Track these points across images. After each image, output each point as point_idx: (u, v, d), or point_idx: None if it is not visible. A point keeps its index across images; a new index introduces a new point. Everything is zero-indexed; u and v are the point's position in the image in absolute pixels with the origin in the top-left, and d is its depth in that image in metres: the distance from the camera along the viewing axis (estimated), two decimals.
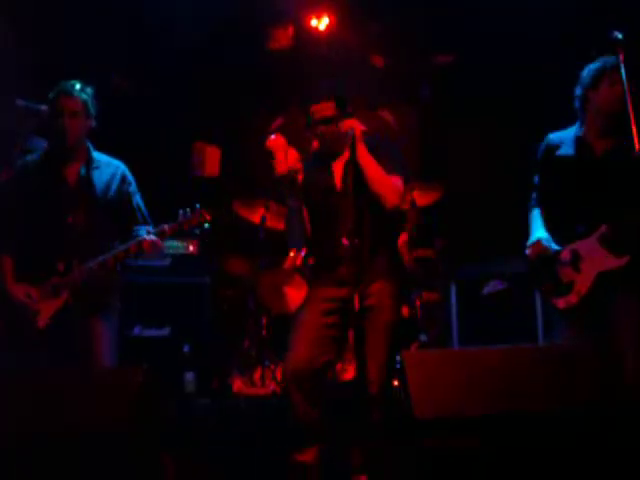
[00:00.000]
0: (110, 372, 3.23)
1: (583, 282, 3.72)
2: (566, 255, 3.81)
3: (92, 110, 4.03)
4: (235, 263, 6.47)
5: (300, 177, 3.96)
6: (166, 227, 3.99)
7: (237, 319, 6.32)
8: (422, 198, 6.23)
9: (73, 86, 3.95)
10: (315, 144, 4.16)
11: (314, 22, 7.05)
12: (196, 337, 5.67)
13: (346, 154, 3.93)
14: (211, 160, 7.36)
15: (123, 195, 4.13)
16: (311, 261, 5.73)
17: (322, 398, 3.88)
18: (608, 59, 3.79)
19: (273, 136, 3.95)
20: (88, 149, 4.10)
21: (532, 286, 4.00)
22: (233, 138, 7.39)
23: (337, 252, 3.86)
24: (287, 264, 6.00)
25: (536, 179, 4.12)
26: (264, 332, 5.97)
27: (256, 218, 6.19)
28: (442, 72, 7.16)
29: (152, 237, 3.94)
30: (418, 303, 6.02)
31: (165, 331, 5.66)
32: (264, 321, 5.99)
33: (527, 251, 3.92)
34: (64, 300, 3.85)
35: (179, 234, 4.07)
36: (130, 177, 4.20)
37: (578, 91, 3.93)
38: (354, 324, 3.68)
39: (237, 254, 6.55)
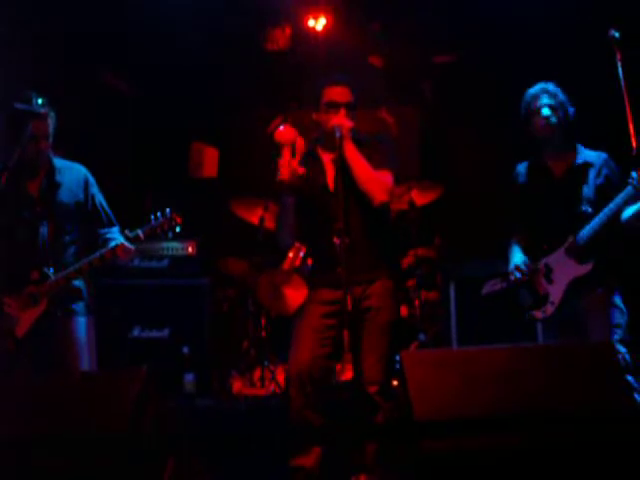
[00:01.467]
0: (110, 374, 3.23)
1: (556, 292, 3.97)
2: (540, 269, 4.04)
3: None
4: (234, 264, 6.47)
5: (300, 182, 3.95)
6: (139, 232, 4.01)
7: (236, 320, 6.33)
8: (421, 197, 6.24)
9: (42, 107, 3.92)
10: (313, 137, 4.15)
11: (311, 23, 7.05)
12: (195, 338, 5.66)
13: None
14: (209, 161, 7.36)
15: (87, 198, 4.14)
16: (310, 261, 5.75)
17: (323, 401, 3.88)
18: (529, 90, 4.13)
19: (282, 127, 3.93)
20: (50, 159, 4.10)
21: (514, 308, 4.15)
22: (231, 139, 7.38)
23: (331, 252, 3.82)
24: (286, 265, 5.99)
25: (510, 210, 4.32)
26: (263, 333, 5.98)
27: (255, 219, 6.19)
28: (442, 71, 7.16)
29: (126, 243, 3.95)
30: (417, 303, 6.03)
31: (165, 332, 5.66)
32: (263, 322, 6.00)
33: (511, 277, 4.11)
34: (43, 308, 3.88)
35: (152, 238, 4.08)
36: (92, 179, 4.20)
37: (524, 130, 4.17)
38: (348, 325, 3.68)
39: (236, 255, 6.55)
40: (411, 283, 6.10)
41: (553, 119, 3.98)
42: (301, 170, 3.92)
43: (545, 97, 4.02)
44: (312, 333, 3.92)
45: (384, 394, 3.82)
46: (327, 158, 4.05)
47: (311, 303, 4.06)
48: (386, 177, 3.95)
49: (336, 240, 3.74)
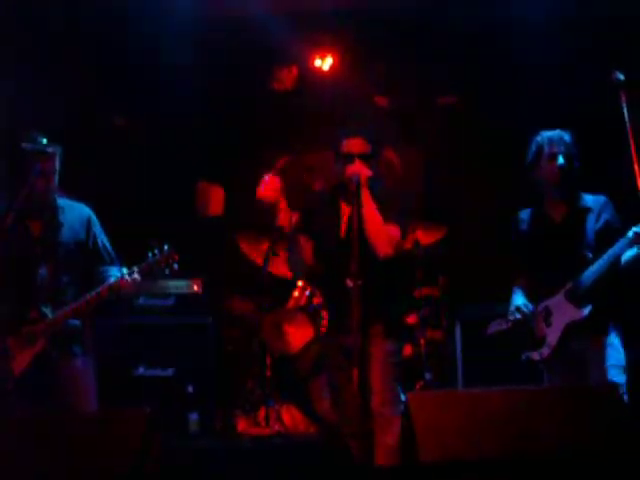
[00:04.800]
0: (113, 415, 3.21)
1: (553, 335, 4.03)
2: (539, 312, 4.10)
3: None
4: (239, 304, 6.47)
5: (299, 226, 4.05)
6: (135, 269, 4.01)
7: (241, 359, 6.31)
8: (426, 237, 6.24)
9: (48, 146, 3.96)
10: (322, 185, 4.21)
11: (318, 62, 7.11)
12: (200, 377, 5.64)
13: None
14: (215, 200, 7.39)
15: (89, 237, 4.15)
16: (316, 301, 5.75)
17: None
18: (545, 133, 4.14)
19: (264, 181, 3.99)
20: (54, 198, 4.12)
21: (514, 347, 4.20)
22: (237, 178, 7.40)
23: (346, 296, 3.85)
24: (290, 304, 5.99)
25: (513, 256, 4.38)
26: (268, 372, 5.95)
27: (259, 260, 6.19)
28: (445, 113, 7.21)
29: (125, 278, 3.96)
30: (422, 342, 6.01)
31: (169, 371, 5.64)
32: (268, 361, 5.97)
33: (510, 317, 4.16)
34: (41, 347, 3.88)
35: (150, 275, 4.09)
36: (95, 219, 4.22)
37: (527, 171, 4.21)
38: (358, 364, 3.71)
39: (241, 295, 6.55)
40: (416, 322, 6.09)
41: (566, 168, 4.01)
42: (295, 218, 4.02)
43: (562, 145, 4.06)
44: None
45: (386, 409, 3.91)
46: (346, 208, 4.11)
47: (331, 354, 4.18)
48: (393, 231, 4.03)
49: (349, 282, 3.78)
